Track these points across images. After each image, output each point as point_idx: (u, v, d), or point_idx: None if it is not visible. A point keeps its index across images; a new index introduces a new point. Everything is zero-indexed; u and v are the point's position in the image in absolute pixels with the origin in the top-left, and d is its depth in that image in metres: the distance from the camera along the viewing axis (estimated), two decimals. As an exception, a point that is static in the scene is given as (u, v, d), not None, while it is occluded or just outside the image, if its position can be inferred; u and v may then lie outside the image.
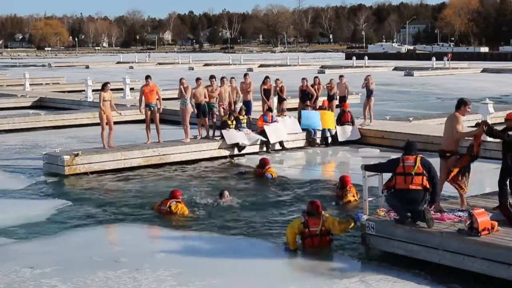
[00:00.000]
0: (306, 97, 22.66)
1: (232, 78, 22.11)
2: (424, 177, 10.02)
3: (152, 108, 19.70)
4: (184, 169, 18.47)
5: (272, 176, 16.69)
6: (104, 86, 18.95)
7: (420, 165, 10.04)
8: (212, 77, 20.69)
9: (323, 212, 10.87)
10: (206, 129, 20.24)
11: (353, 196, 13.99)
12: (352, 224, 10.72)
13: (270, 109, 21.84)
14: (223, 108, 20.72)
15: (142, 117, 27.54)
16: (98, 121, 27.99)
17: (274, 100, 23.26)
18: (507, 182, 10.76)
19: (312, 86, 22.99)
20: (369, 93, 22.76)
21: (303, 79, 23.16)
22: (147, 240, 11.73)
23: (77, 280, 9.44)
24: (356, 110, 24.71)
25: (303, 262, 10.17)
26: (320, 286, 9.24)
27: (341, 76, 24.20)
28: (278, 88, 22.52)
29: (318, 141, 21.83)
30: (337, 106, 23.31)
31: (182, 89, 19.53)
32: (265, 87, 22.42)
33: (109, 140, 18.76)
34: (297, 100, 23.45)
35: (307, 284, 9.29)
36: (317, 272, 9.80)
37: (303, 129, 21.69)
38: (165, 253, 10.76)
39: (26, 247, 11.24)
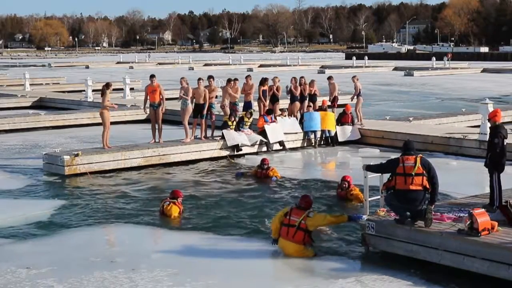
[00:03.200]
0: (295, 98, 22.65)
1: (236, 79, 22.15)
2: (424, 177, 10.00)
3: (155, 108, 19.71)
4: (184, 169, 18.45)
5: (277, 178, 16.66)
6: (109, 86, 18.81)
7: (420, 166, 10.02)
8: (210, 77, 20.69)
9: (312, 210, 10.67)
10: (201, 129, 20.19)
11: (357, 194, 13.98)
12: (345, 218, 10.73)
13: (270, 111, 21.79)
14: (226, 107, 20.81)
15: (142, 117, 27.75)
16: (98, 121, 27.99)
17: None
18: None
19: (299, 86, 22.97)
20: (358, 93, 23.18)
21: (292, 78, 23.13)
22: (144, 241, 11.69)
23: (73, 280, 9.41)
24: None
25: (300, 262, 10.15)
26: (317, 286, 9.21)
27: (328, 78, 24.22)
28: (274, 87, 22.48)
29: (318, 141, 21.79)
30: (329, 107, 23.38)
31: (183, 90, 19.60)
32: (263, 88, 22.38)
33: (106, 140, 18.73)
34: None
35: (304, 284, 9.26)
36: (314, 272, 9.77)
37: (306, 131, 21.66)
38: (162, 253, 10.74)
39: (22, 247, 11.21)
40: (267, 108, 22.00)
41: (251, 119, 20.76)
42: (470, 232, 9.39)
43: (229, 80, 21.58)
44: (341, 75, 54.34)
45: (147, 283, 9.29)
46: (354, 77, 23.96)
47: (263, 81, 22.37)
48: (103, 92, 18.59)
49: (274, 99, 22.42)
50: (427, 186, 10.02)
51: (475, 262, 9.18)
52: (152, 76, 19.89)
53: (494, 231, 9.54)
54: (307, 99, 22.70)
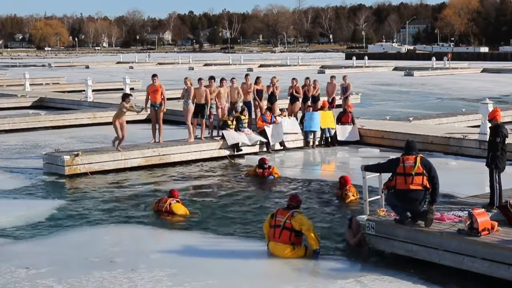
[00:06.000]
0: (297, 98, 22.65)
1: (233, 78, 22.12)
2: (425, 177, 9.99)
3: (156, 108, 19.70)
4: (184, 169, 18.44)
5: (274, 177, 16.67)
6: (126, 97, 18.45)
7: (420, 165, 10.01)
8: (211, 78, 20.71)
9: (297, 210, 10.48)
10: (202, 129, 20.14)
11: (353, 195, 14.01)
12: (313, 248, 10.35)
13: (269, 109, 21.82)
14: (221, 108, 20.68)
15: (142, 117, 27.72)
16: (98, 121, 28.30)
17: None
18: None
19: (303, 87, 22.95)
20: (348, 93, 23.99)
21: (293, 79, 23.10)
22: (143, 241, 11.68)
23: (73, 280, 9.40)
24: (355, 110, 24.72)
25: (299, 262, 10.14)
26: (316, 286, 9.21)
27: (331, 77, 24.42)
28: (274, 87, 22.45)
29: (318, 141, 21.77)
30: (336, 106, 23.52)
31: (186, 89, 19.60)
32: (258, 87, 22.36)
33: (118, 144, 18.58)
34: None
35: (303, 285, 9.25)
36: (313, 272, 9.77)
37: (306, 131, 21.65)
38: (161, 253, 10.73)
39: (22, 247, 11.20)
40: (265, 107, 22.01)
41: (247, 116, 20.74)
42: (470, 232, 9.39)
43: (221, 80, 21.38)
44: (341, 75, 54.24)
45: (146, 283, 9.28)
46: (345, 76, 24.21)
47: (256, 80, 22.39)
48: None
49: (273, 99, 22.42)
50: (428, 186, 10.01)
51: (475, 262, 9.18)
52: (154, 76, 19.85)
53: (494, 231, 9.54)
54: (310, 99, 22.70)
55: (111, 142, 18.77)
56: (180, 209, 13.16)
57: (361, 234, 10.57)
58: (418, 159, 10.07)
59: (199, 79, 20.18)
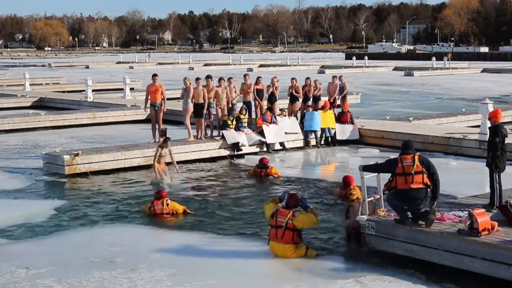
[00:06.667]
0: (297, 98, 22.64)
1: (230, 78, 22.10)
2: (424, 175, 10.03)
3: (157, 108, 19.69)
4: (183, 169, 18.42)
5: (274, 177, 16.69)
6: (166, 141, 17.00)
7: (419, 163, 10.04)
8: (208, 76, 20.66)
9: (297, 209, 10.46)
10: (201, 129, 20.12)
11: (358, 195, 14.00)
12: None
13: (269, 109, 21.82)
14: (220, 108, 20.67)
15: (142, 117, 27.75)
16: (98, 121, 28.32)
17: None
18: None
19: (303, 87, 22.91)
20: (345, 93, 23.92)
21: (292, 79, 23.08)
22: (143, 241, 11.67)
23: (73, 280, 9.40)
24: (355, 110, 24.71)
25: (299, 262, 10.14)
26: (316, 286, 9.21)
27: (333, 77, 24.46)
28: (274, 87, 22.43)
29: (318, 141, 21.77)
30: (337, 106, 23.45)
31: (185, 89, 19.60)
32: (258, 87, 22.34)
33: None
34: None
35: (304, 284, 9.25)
36: (313, 272, 9.76)
37: (306, 131, 21.64)
38: (161, 253, 10.73)
39: (21, 247, 11.20)
40: (265, 107, 21.99)
41: (246, 115, 20.74)
42: (470, 232, 9.39)
43: (219, 80, 21.32)
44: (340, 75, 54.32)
45: (146, 283, 9.28)
46: (341, 76, 24.19)
47: (257, 80, 22.38)
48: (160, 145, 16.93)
49: (273, 99, 22.41)
50: (428, 183, 10.04)
51: (475, 262, 9.18)
52: (154, 76, 19.82)
53: (494, 231, 9.54)
54: (310, 100, 22.67)
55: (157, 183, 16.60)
56: (178, 206, 13.19)
57: (356, 221, 10.56)
58: (416, 157, 10.10)
59: (197, 79, 20.16)
